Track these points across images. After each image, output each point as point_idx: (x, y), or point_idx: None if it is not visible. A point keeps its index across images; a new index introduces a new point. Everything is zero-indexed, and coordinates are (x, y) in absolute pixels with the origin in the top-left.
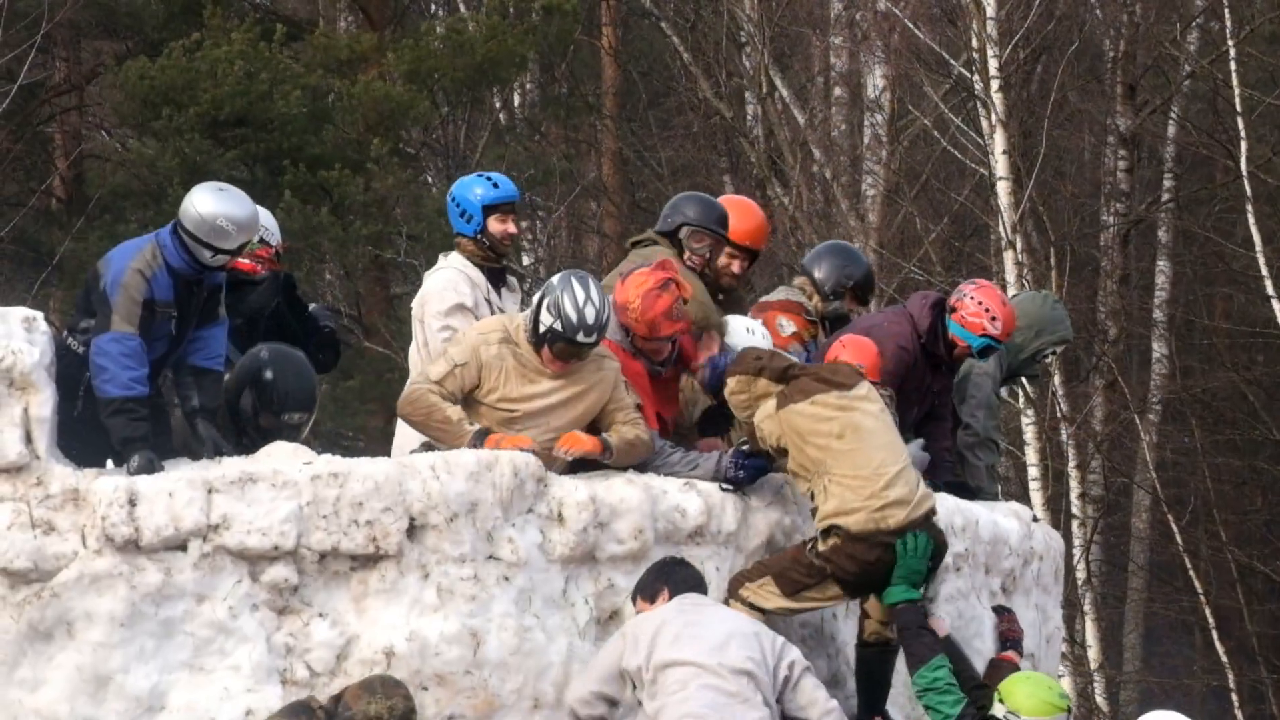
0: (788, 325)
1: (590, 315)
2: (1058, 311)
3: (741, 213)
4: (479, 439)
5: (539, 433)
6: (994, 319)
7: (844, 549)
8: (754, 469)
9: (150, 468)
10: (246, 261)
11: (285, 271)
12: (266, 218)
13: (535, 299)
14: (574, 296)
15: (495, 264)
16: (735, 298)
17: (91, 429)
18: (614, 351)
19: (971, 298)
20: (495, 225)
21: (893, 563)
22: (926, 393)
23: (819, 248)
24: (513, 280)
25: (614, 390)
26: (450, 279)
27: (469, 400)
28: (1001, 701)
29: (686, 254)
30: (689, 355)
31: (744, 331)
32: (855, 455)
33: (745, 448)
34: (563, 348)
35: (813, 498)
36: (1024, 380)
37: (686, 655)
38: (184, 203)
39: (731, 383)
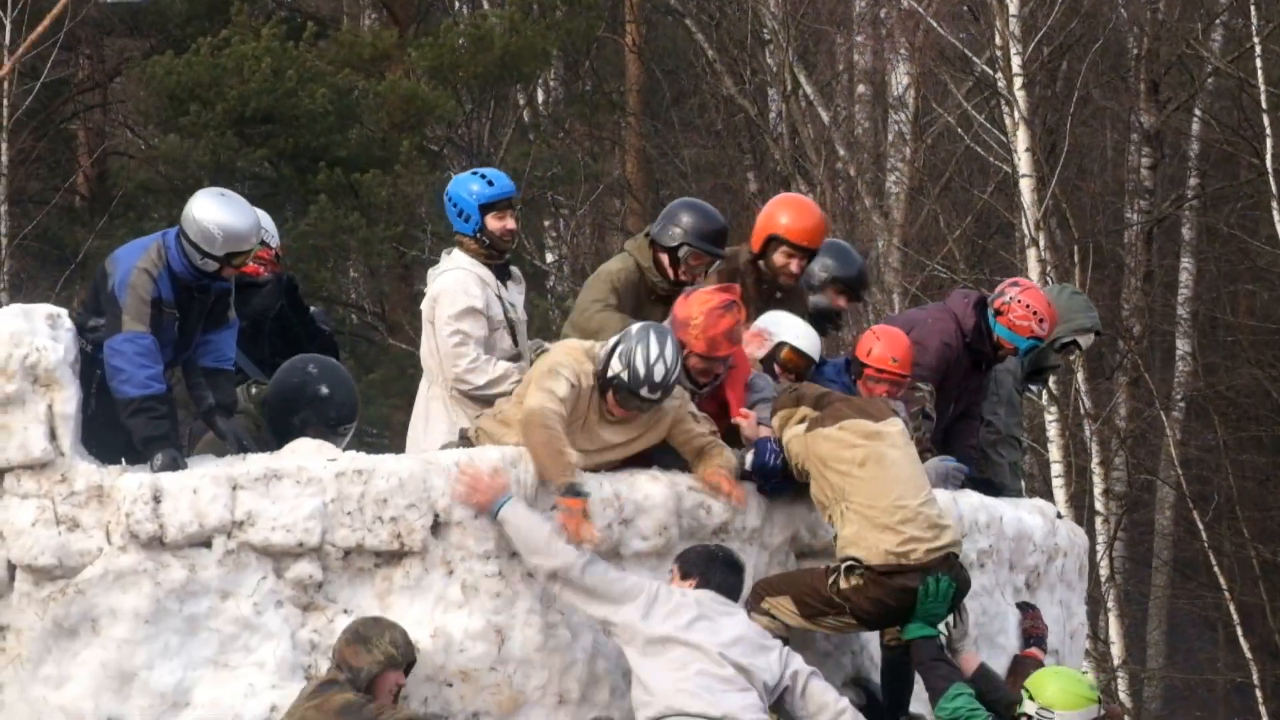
0: None
1: (659, 373)
2: (1075, 301)
3: (800, 212)
4: (568, 493)
5: (613, 454)
6: (1041, 320)
7: (865, 591)
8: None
9: (174, 465)
10: (250, 264)
11: (287, 274)
12: (265, 220)
13: (611, 343)
14: (647, 352)
15: (498, 260)
16: (795, 295)
17: (106, 427)
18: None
19: (1019, 301)
20: (493, 223)
21: (912, 605)
22: (964, 391)
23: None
24: (517, 272)
25: (676, 426)
26: (461, 280)
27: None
28: (1032, 698)
29: (683, 269)
30: (733, 402)
31: (800, 325)
32: (874, 485)
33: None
34: (626, 398)
35: (832, 524)
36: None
37: (694, 639)
38: (186, 205)
39: (776, 420)
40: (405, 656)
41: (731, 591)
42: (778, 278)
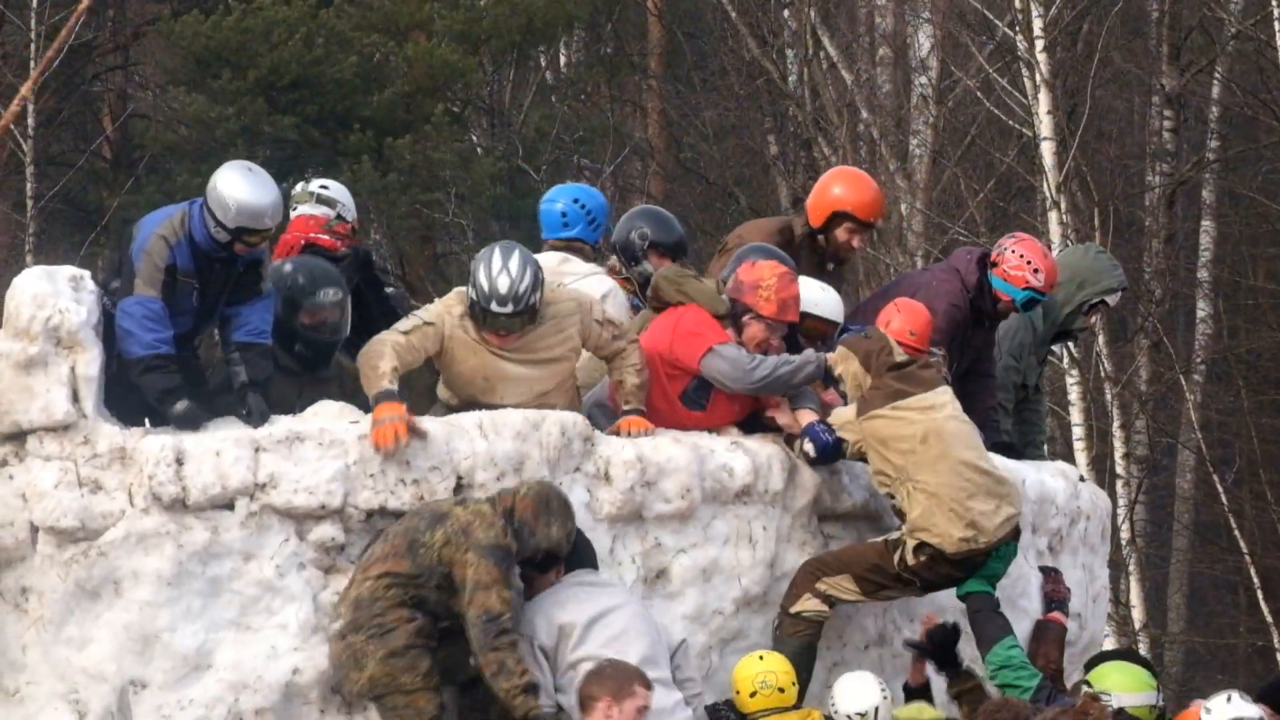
0: None
1: (503, 285)
2: (1100, 261)
3: (858, 186)
4: (381, 399)
5: (524, 397)
6: (1036, 270)
7: (935, 567)
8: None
9: (193, 412)
10: (327, 238)
11: (364, 249)
12: (342, 193)
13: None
14: (489, 266)
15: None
16: (851, 267)
17: (127, 388)
18: (708, 319)
19: (1013, 251)
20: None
21: (975, 569)
22: (966, 347)
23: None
24: None
25: (588, 339)
26: (609, 287)
27: (449, 375)
28: (1089, 686)
29: (637, 269)
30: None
31: (817, 290)
32: (939, 463)
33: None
34: (484, 318)
35: (895, 504)
36: (1069, 343)
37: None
38: (213, 173)
39: (835, 354)
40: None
41: (591, 561)
42: (839, 252)
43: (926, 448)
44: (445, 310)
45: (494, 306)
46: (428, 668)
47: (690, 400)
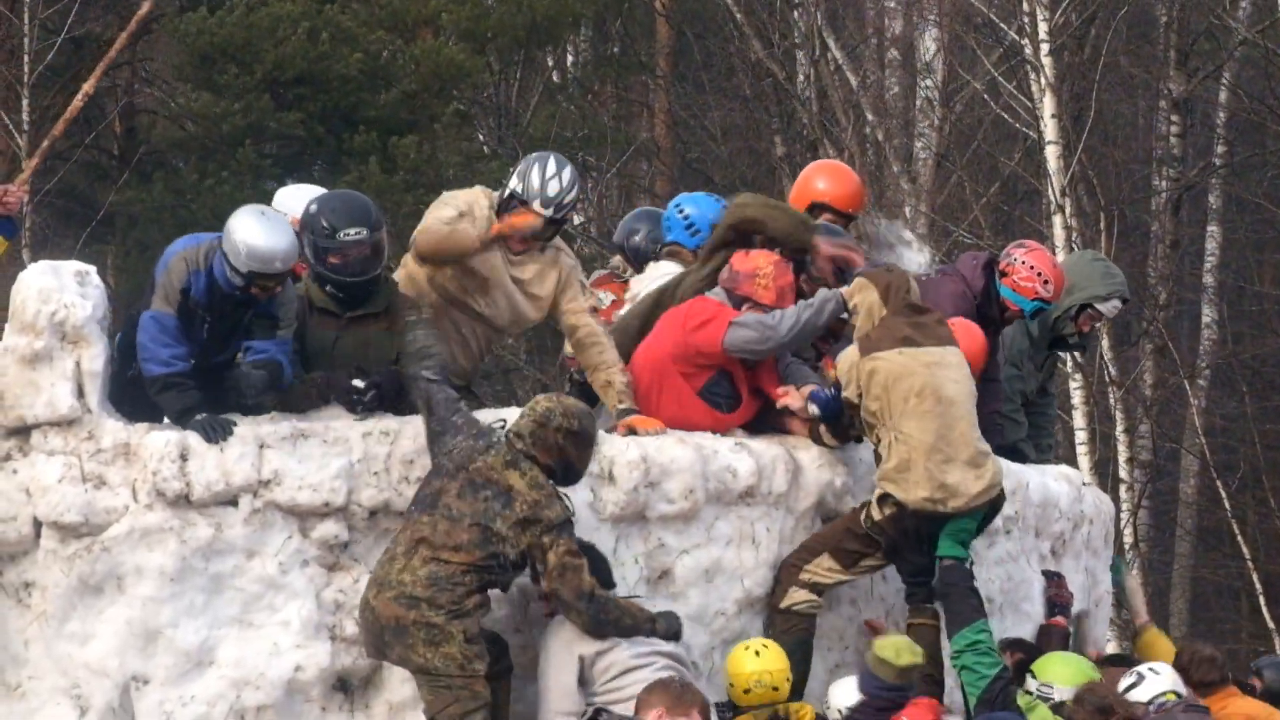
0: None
1: (553, 189)
2: (1094, 268)
3: (839, 178)
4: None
5: (503, 303)
6: (1046, 282)
7: (898, 523)
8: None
9: (216, 422)
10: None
11: None
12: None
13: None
14: (543, 169)
15: None
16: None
17: (147, 398)
18: (712, 303)
19: (1023, 262)
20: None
21: (940, 529)
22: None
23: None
24: None
25: (568, 289)
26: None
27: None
28: (1034, 676)
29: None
30: (768, 385)
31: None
32: (925, 420)
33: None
34: (520, 214)
35: (877, 449)
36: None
37: None
38: (230, 217)
39: (853, 285)
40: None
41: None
42: None
43: (920, 401)
44: (475, 201)
45: (537, 206)
46: (489, 657)
47: (711, 396)
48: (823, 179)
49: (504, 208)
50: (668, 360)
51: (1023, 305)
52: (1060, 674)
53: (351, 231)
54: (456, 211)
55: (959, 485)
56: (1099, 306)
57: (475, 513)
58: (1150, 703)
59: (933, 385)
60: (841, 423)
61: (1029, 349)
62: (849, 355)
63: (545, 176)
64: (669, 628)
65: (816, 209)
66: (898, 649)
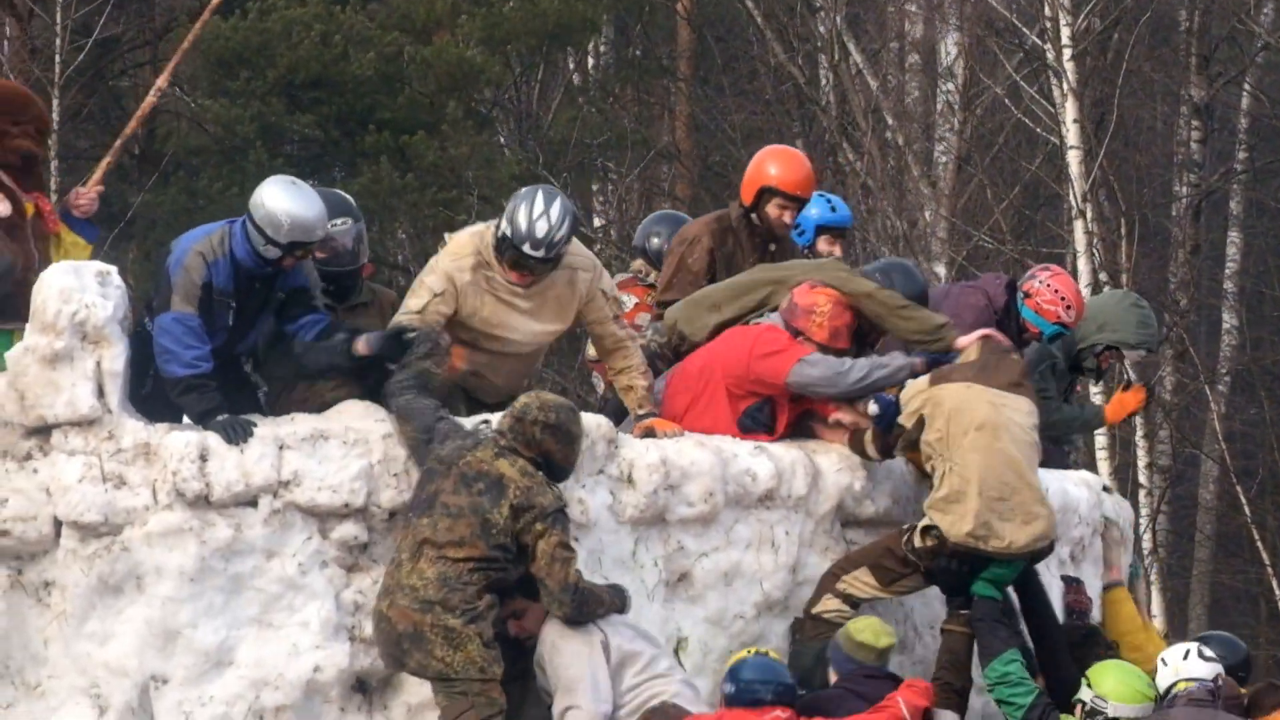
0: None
1: (541, 229)
2: (1131, 313)
3: (789, 163)
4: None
5: (522, 337)
6: (1069, 307)
7: (936, 557)
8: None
9: (237, 423)
10: None
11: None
12: None
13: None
14: (530, 208)
15: None
16: (786, 247)
17: (161, 407)
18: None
19: (1047, 285)
20: (824, 245)
21: (978, 570)
22: None
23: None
24: None
25: (591, 303)
26: None
27: (451, 320)
28: (1089, 686)
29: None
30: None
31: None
32: (983, 455)
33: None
34: (513, 258)
35: (931, 478)
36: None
37: None
38: (256, 190)
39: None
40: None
41: None
42: (773, 229)
43: (979, 435)
44: (454, 269)
45: (527, 249)
46: (504, 660)
47: (748, 423)
48: (773, 164)
49: (499, 248)
50: (720, 375)
51: (1043, 328)
52: (1115, 689)
53: (338, 222)
54: (429, 296)
55: (1004, 530)
56: (1127, 353)
57: (472, 504)
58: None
59: (995, 422)
60: (889, 437)
61: (1052, 379)
62: (916, 384)
63: (533, 217)
64: (624, 604)
65: (767, 194)
66: (875, 631)
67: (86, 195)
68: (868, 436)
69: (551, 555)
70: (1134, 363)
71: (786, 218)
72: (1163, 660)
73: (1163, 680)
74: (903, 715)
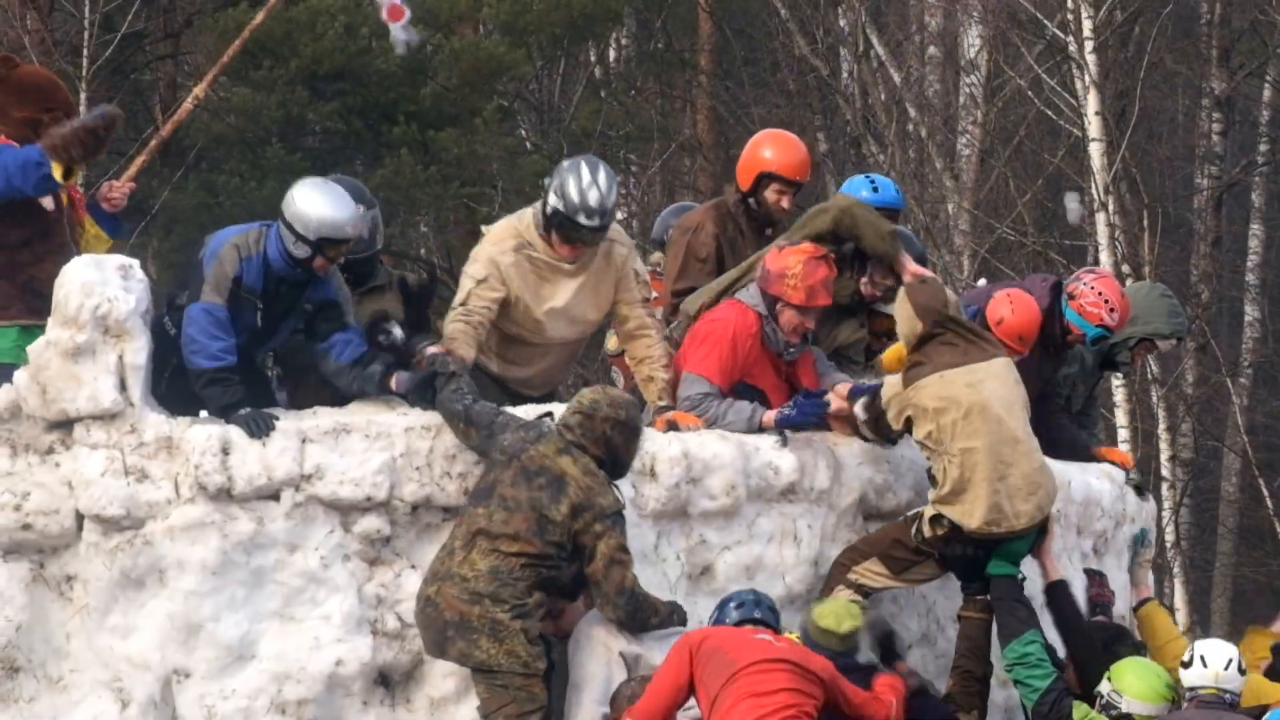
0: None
1: (594, 198)
2: (1160, 303)
3: (786, 147)
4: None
5: (564, 325)
6: (1112, 310)
7: (951, 544)
8: (810, 408)
9: (259, 416)
10: None
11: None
12: None
13: (545, 183)
14: (579, 178)
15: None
16: (782, 230)
17: (179, 402)
18: (746, 334)
19: (1092, 287)
20: None
21: (993, 549)
22: (1035, 376)
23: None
24: None
25: (623, 280)
26: None
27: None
28: (1109, 680)
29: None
30: (809, 377)
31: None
32: (977, 439)
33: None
34: (566, 231)
35: (931, 473)
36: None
37: None
38: (289, 190)
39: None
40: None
41: None
42: (770, 214)
43: (968, 422)
44: (495, 253)
45: (581, 219)
46: (549, 658)
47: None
48: (770, 148)
49: (550, 223)
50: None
51: (1086, 330)
52: (1133, 686)
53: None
54: (471, 284)
55: (1010, 508)
56: (1159, 344)
57: (530, 500)
58: (1190, 691)
59: (978, 404)
60: (881, 423)
61: (1078, 374)
62: (892, 386)
63: (583, 187)
64: (683, 620)
65: (765, 179)
66: (838, 615)
67: (120, 189)
68: (860, 424)
69: (610, 558)
70: (1161, 354)
71: (785, 202)
72: (1203, 659)
73: (1195, 679)
74: (892, 712)
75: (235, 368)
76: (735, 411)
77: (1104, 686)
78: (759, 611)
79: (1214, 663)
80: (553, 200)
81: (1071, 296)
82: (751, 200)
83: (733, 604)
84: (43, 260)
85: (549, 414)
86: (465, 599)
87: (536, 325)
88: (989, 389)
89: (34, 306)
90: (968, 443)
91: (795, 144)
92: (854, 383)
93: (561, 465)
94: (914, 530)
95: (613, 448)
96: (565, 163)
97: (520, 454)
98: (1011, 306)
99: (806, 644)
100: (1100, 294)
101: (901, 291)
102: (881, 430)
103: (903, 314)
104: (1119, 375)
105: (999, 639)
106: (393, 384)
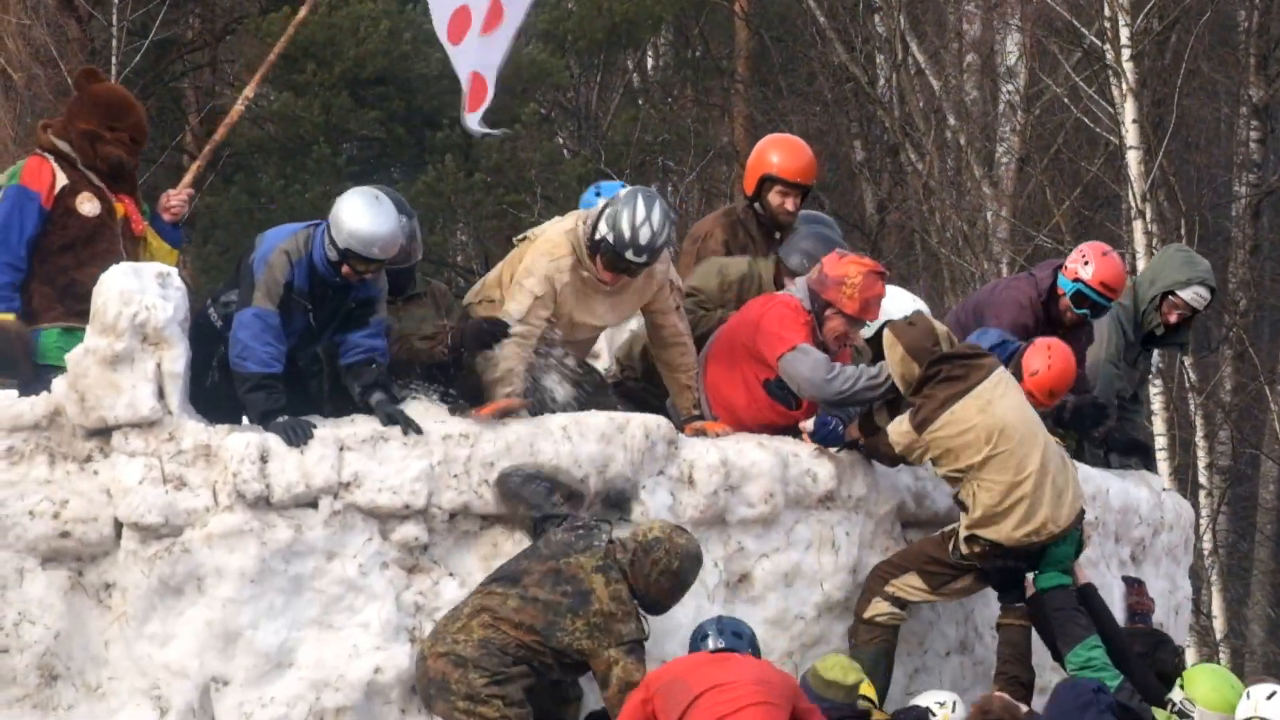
0: None
1: (644, 236)
2: (1176, 257)
3: (791, 151)
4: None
5: (587, 330)
6: (1087, 263)
7: (991, 559)
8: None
9: (297, 424)
10: None
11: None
12: None
13: (600, 206)
14: (633, 214)
15: None
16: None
17: (225, 400)
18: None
19: (1077, 250)
20: None
21: (1036, 560)
22: None
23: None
24: None
25: (658, 291)
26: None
27: None
28: (1182, 687)
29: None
30: None
31: (909, 301)
32: (1000, 459)
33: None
34: (611, 260)
35: (959, 502)
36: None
37: None
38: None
39: (887, 342)
40: None
41: None
42: (776, 218)
43: (989, 446)
44: (554, 271)
45: (629, 255)
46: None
47: (780, 390)
48: (774, 152)
49: (597, 248)
50: (740, 342)
51: (1064, 286)
52: (1206, 695)
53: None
54: (530, 299)
55: (1048, 515)
56: (1181, 294)
57: (549, 604)
58: None
59: (996, 427)
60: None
61: (1123, 346)
62: (903, 433)
63: (636, 224)
64: None
65: (768, 182)
66: (844, 668)
67: (178, 197)
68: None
69: (623, 686)
70: (1196, 313)
71: (789, 205)
72: (1247, 694)
73: (1240, 713)
74: None
75: (281, 376)
76: (862, 377)
77: (1176, 694)
78: (724, 640)
79: (1256, 694)
80: (603, 229)
81: (1063, 268)
82: (757, 205)
83: (699, 635)
84: (85, 265)
85: (608, 521)
86: (450, 661)
87: (570, 327)
88: (1000, 407)
89: (74, 309)
90: (993, 464)
91: (798, 147)
92: (818, 415)
93: (593, 583)
94: (951, 548)
95: (654, 591)
96: (623, 193)
97: (559, 557)
98: (1049, 361)
99: (809, 696)
100: (1081, 253)
101: (888, 334)
102: (881, 459)
103: (894, 357)
104: (1156, 384)
105: (1060, 646)
106: (371, 402)
